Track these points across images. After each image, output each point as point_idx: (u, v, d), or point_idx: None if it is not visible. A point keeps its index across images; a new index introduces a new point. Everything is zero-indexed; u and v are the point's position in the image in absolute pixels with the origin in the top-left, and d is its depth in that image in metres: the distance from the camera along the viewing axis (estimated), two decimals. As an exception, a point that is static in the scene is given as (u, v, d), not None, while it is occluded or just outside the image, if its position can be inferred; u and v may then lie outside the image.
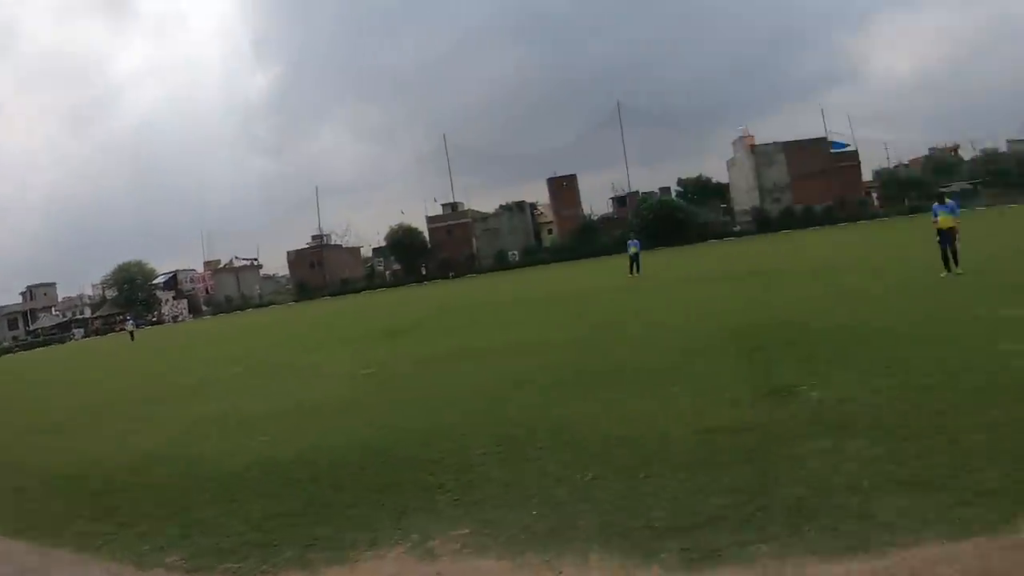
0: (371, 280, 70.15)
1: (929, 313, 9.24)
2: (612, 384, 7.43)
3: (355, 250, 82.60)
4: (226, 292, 75.47)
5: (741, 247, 44.16)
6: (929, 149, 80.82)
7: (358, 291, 62.81)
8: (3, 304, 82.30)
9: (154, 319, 70.40)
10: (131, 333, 40.56)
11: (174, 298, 75.14)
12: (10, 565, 5.01)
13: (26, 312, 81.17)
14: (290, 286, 73.82)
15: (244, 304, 68.96)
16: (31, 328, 77.75)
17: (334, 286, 67.35)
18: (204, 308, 72.95)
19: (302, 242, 77.58)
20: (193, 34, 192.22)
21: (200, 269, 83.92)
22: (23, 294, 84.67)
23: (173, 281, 79.51)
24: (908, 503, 3.50)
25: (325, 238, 77.54)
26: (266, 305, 64.93)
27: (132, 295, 74.91)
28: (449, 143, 78.94)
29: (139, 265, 78.74)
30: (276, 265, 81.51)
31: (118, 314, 69.46)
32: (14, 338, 73.90)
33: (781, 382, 6.33)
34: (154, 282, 78.22)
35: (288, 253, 75.71)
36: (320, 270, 71.46)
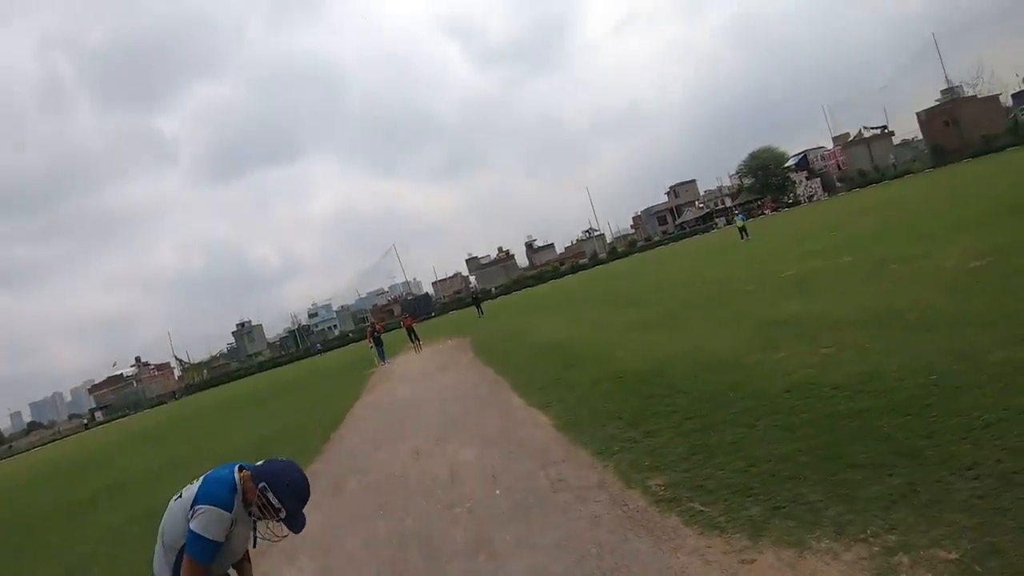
0: (1017, 136, 56.15)
1: None
2: None
3: (993, 99, 68.41)
4: (859, 166, 72.80)
5: None
6: None
7: (999, 149, 51.31)
8: (653, 204, 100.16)
9: (790, 201, 73.53)
10: (741, 230, 38.20)
11: (807, 178, 76.64)
12: (541, 456, 6.46)
13: (672, 208, 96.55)
14: (925, 151, 66.28)
15: (879, 176, 65.29)
16: (677, 222, 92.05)
17: (974, 146, 57.05)
18: (838, 185, 72.09)
19: (930, 99, 69.08)
20: None
21: (829, 146, 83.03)
22: (667, 193, 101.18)
23: (804, 162, 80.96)
24: None
25: (955, 91, 66.93)
26: (900, 176, 59.78)
27: (767, 180, 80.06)
28: None
29: (769, 151, 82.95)
30: (908, 129, 74.43)
31: (756, 199, 75.31)
32: (663, 232, 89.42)
33: None
34: (786, 165, 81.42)
35: (918, 115, 67.92)
36: (955, 129, 61.53)
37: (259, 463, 3.13)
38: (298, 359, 72.39)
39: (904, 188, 38.20)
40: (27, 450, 69.14)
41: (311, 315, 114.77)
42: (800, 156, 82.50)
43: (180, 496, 3.01)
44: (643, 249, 78.20)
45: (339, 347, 69.68)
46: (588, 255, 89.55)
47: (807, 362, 6.99)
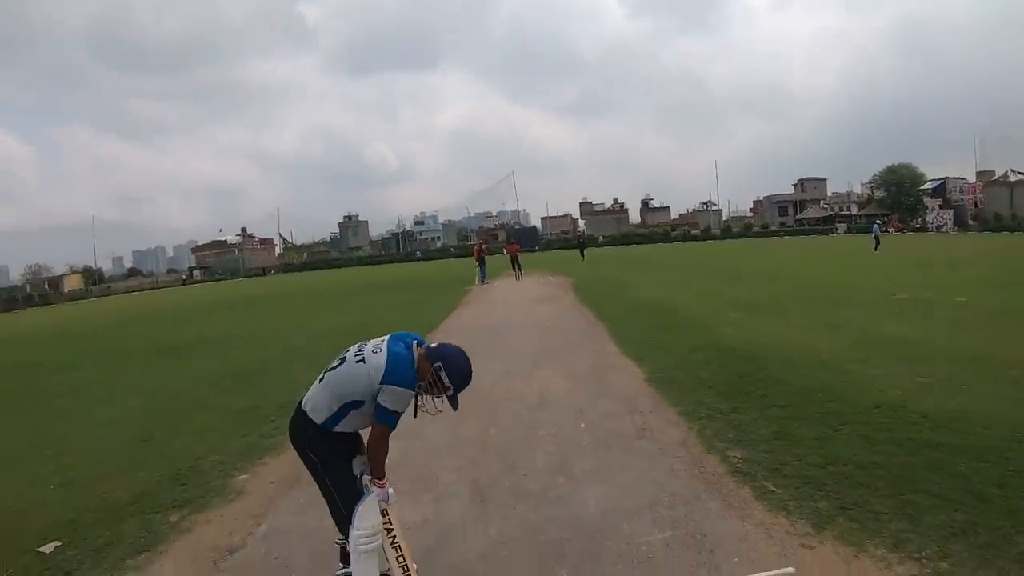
0: None
1: None
2: None
3: None
4: (996, 208, 65.64)
5: None
6: None
7: None
8: (776, 192, 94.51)
9: (917, 225, 67.95)
10: (876, 239, 35.90)
11: (940, 207, 70.24)
12: (629, 403, 6.75)
13: (796, 202, 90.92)
14: None
15: (1015, 225, 58.51)
16: (798, 216, 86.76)
17: None
18: (971, 222, 65.65)
19: None
20: None
21: (971, 179, 75.26)
22: (795, 185, 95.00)
23: (942, 189, 74.05)
24: None
25: None
26: None
27: (898, 198, 74.00)
28: None
29: (909, 168, 76.38)
30: None
31: (883, 215, 69.92)
32: (782, 223, 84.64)
33: None
34: (922, 187, 74.79)
35: None
36: None
37: (434, 345, 3.55)
38: (397, 262, 73.45)
39: None
40: (125, 292, 72.57)
41: (417, 222, 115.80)
42: (939, 182, 75.54)
43: (362, 359, 3.33)
44: (758, 235, 74.86)
45: (440, 259, 70.32)
46: (701, 227, 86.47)
47: (901, 385, 6.97)
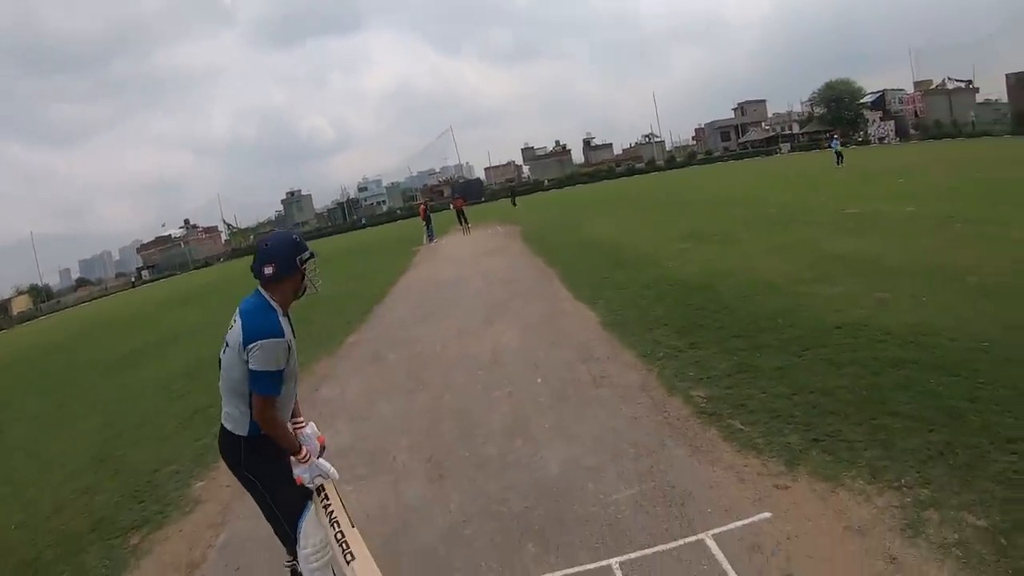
0: None
1: None
2: None
3: None
4: (936, 116, 66.88)
5: None
6: None
7: None
8: (718, 118, 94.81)
9: (859, 139, 68.97)
10: (838, 156, 33.20)
11: (881, 119, 71.05)
12: (584, 350, 6.49)
13: (737, 126, 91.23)
14: (1008, 116, 60.11)
15: (955, 131, 59.89)
16: (740, 140, 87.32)
17: None
18: (912, 132, 66.76)
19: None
20: None
21: (909, 90, 76.30)
22: (735, 109, 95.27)
23: (881, 101, 74.54)
24: None
25: None
26: (978, 135, 54.72)
27: (839, 113, 74.74)
28: None
29: (847, 83, 76.73)
30: (994, 90, 67.35)
31: (824, 131, 70.81)
32: (725, 148, 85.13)
33: None
34: (861, 101, 75.55)
35: (1007, 76, 60.98)
36: None
37: (265, 272, 2.93)
38: (344, 231, 72.01)
39: (981, 148, 35.03)
40: (74, 305, 69.26)
41: (360, 189, 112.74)
42: (878, 95, 75.99)
43: (227, 346, 2.92)
44: (702, 162, 74.98)
45: (387, 222, 69.09)
46: (645, 160, 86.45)
47: (860, 303, 6.79)
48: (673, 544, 3.34)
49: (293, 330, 3.05)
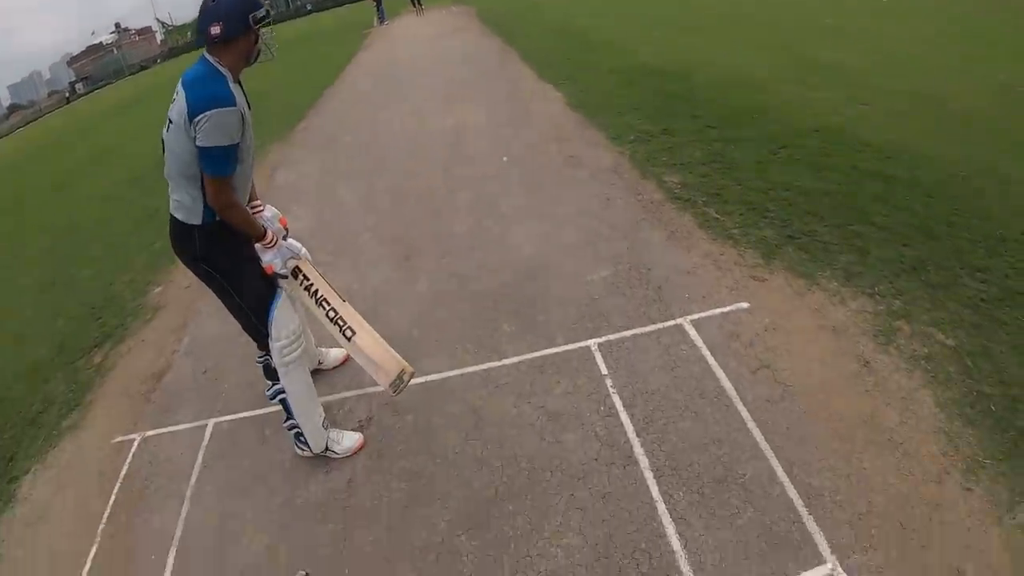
0: None
1: None
2: None
3: None
4: None
5: None
6: None
7: None
8: None
9: None
10: None
11: None
12: (553, 130, 6.08)
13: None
14: None
15: None
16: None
17: None
18: None
19: None
20: None
21: None
22: None
23: None
24: None
25: None
26: None
27: None
28: None
29: None
30: None
31: None
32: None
33: None
34: None
35: None
36: None
37: (211, 32, 2.40)
38: (288, 19, 63.31)
39: None
40: (9, 133, 60.37)
41: None
42: None
43: (170, 123, 2.41)
44: None
45: (335, 6, 60.93)
46: None
47: (840, 111, 6.49)
48: (652, 327, 3.29)
49: (248, 100, 2.51)
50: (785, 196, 4.59)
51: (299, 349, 2.79)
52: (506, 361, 3.24)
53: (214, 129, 2.31)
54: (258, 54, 2.55)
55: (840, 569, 2.06)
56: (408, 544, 2.43)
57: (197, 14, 2.47)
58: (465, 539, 2.40)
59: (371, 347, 2.84)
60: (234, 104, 2.35)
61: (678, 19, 13.70)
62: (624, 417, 2.73)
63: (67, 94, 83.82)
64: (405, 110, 8.67)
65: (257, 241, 2.68)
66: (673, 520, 2.28)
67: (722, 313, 3.35)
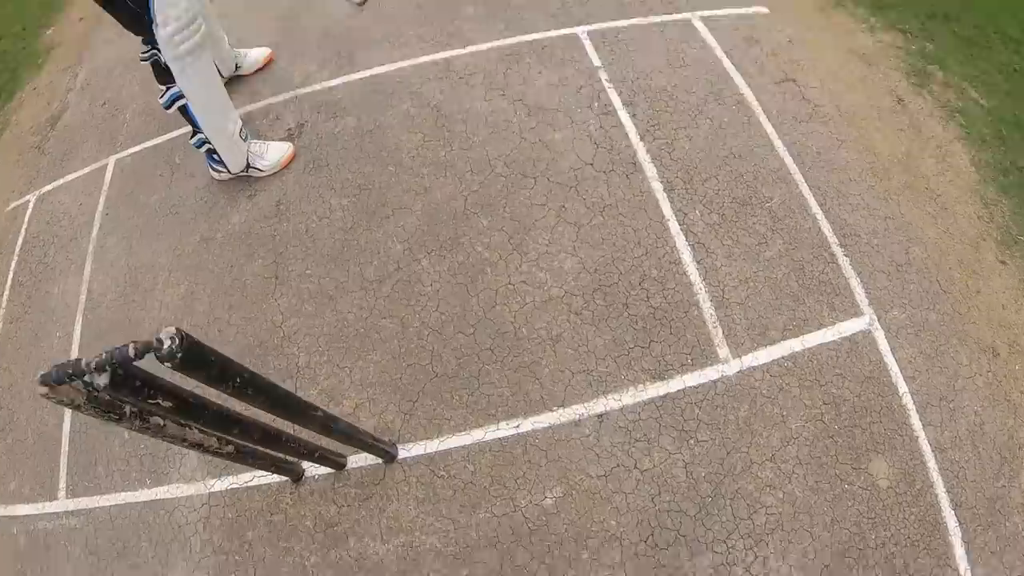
0: None
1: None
2: None
3: None
4: None
5: None
6: None
7: None
8: None
9: None
10: None
11: None
12: None
13: None
14: None
15: None
16: None
17: None
18: None
19: None
20: None
21: None
22: None
23: None
24: None
25: None
26: None
27: None
28: None
29: None
30: None
31: None
32: None
33: None
34: None
35: None
36: None
37: None
38: None
39: None
40: None
41: None
42: None
43: None
44: None
45: None
46: None
47: None
48: (654, 19, 2.49)
49: None
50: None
51: (197, 35, 1.97)
52: (472, 48, 2.39)
53: None
54: None
55: (878, 324, 1.68)
56: (356, 275, 1.83)
57: None
58: (427, 263, 1.80)
59: None
60: None
61: None
62: (623, 116, 2.05)
63: None
64: None
65: None
66: (690, 244, 1.76)
67: (738, 14, 2.61)
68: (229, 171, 2.18)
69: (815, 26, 2.68)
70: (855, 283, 1.73)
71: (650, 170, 1.88)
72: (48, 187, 2.59)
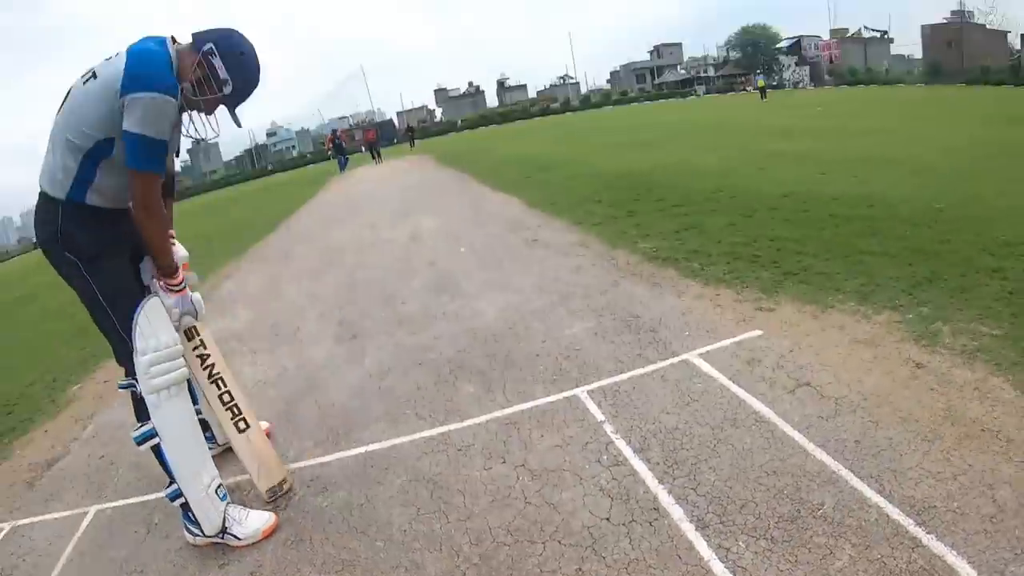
0: (1017, 74, 53.24)
1: None
2: None
3: (1000, 34, 64.99)
4: (851, 63, 68.61)
5: None
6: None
7: (995, 83, 48.69)
8: (634, 60, 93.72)
9: (774, 83, 69.78)
10: (763, 90, 36.81)
11: (796, 64, 72.18)
12: (511, 224, 5.83)
13: (653, 68, 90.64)
14: (920, 68, 62.90)
15: (869, 79, 61.62)
16: (656, 83, 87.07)
17: (972, 73, 54.33)
18: (827, 78, 68.00)
19: (938, 16, 64.56)
20: None
21: (825, 37, 77.92)
22: (651, 52, 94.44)
23: (797, 47, 75.43)
24: None
25: (967, 15, 62.59)
26: (891, 83, 56.50)
27: (754, 58, 75.23)
28: None
29: (763, 28, 76.69)
30: (908, 41, 70.21)
31: (740, 75, 71.75)
32: (641, 90, 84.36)
33: None
34: (777, 46, 76.30)
35: (923, 27, 63.73)
36: (957, 52, 58.12)
37: (202, 31, 2.08)
38: (254, 178, 66.54)
39: (895, 91, 36.08)
40: None
41: (269, 134, 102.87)
42: (794, 41, 76.79)
43: (92, 76, 1.98)
44: (618, 103, 73.06)
45: (296, 167, 64.17)
46: (560, 101, 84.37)
47: (803, 180, 6.43)
48: (652, 367, 2.70)
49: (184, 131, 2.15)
50: (770, 244, 4.24)
51: (175, 371, 2.07)
52: (470, 422, 2.55)
53: (147, 115, 1.89)
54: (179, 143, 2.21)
55: (1002, 591, 1.39)
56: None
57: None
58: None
59: (262, 445, 2.31)
60: (176, 98, 1.94)
61: (628, 140, 14.25)
62: (637, 464, 2.04)
63: (35, 241, 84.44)
64: (360, 223, 8.42)
65: (164, 277, 2.16)
66: (741, 581, 1.58)
67: (734, 343, 2.79)
68: (204, 534, 2.08)
69: (811, 331, 2.83)
70: (953, 557, 1.47)
71: (676, 512, 1.78)
72: (25, 520, 2.54)
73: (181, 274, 2.20)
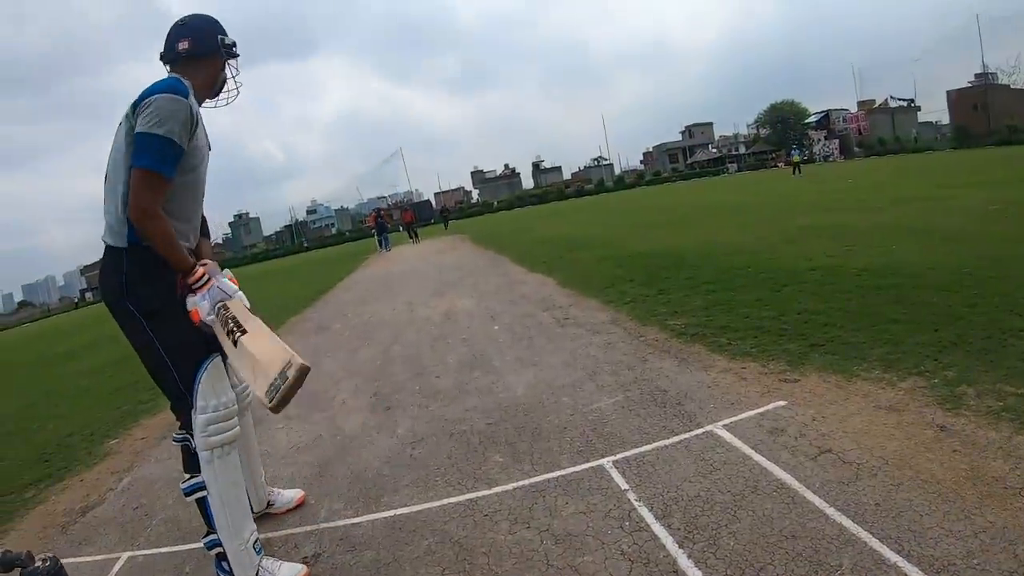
0: None
1: None
2: None
3: None
4: (880, 134, 69.01)
5: None
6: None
7: (1022, 143, 48.19)
8: (666, 141, 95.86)
9: (804, 158, 70.00)
10: (796, 166, 35.33)
11: (826, 138, 72.77)
12: (544, 303, 5.97)
13: (685, 148, 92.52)
14: (948, 132, 62.88)
15: (899, 147, 61.77)
16: (689, 162, 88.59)
17: (1000, 133, 54.08)
18: (856, 149, 68.56)
19: (962, 80, 64.73)
20: None
21: (853, 109, 78.81)
22: (682, 132, 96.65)
23: (825, 120, 76.07)
24: None
25: (990, 77, 62.76)
26: (921, 151, 56.49)
27: (784, 134, 76.18)
28: None
29: (791, 104, 77.93)
30: (935, 107, 70.31)
31: (771, 151, 72.65)
32: (673, 169, 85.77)
33: None
34: (806, 121, 77.14)
35: (948, 93, 64.11)
36: (983, 114, 58.08)
37: (179, 47, 2.21)
38: (293, 253, 68.98)
39: (924, 159, 36.03)
40: (16, 325, 63.01)
41: (309, 211, 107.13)
42: (822, 115, 77.43)
43: (119, 125, 2.07)
44: (651, 183, 74.31)
45: (335, 244, 66.19)
46: (595, 182, 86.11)
47: (830, 252, 6.51)
48: (676, 438, 2.75)
49: (208, 140, 2.29)
50: (797, 317, 4.30)
51: (230, 431, 2.17)
52: (497, 489, 2.62)
53: (157, 113, 1.95)
54: (223, 84, 2.35)
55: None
56: None
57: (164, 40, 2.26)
58: None
59: (256, 348, 2.12)
60: (186, 96, 2.03)
61: (660, 219, 14.53)
62: (659, 529, 2.08)
63: (76, 300, 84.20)
64: (397, 302, 8.66)
65: (184, 278, 2.13)
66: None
67: (758, 414, 2.84)
68: None
69: (835, 400, 2.86)
70: (973, 617, 1.49)
71: (695, 574, 1.82)
72: (58, 562, 2.56)
73: (199, 269, 2.15)
